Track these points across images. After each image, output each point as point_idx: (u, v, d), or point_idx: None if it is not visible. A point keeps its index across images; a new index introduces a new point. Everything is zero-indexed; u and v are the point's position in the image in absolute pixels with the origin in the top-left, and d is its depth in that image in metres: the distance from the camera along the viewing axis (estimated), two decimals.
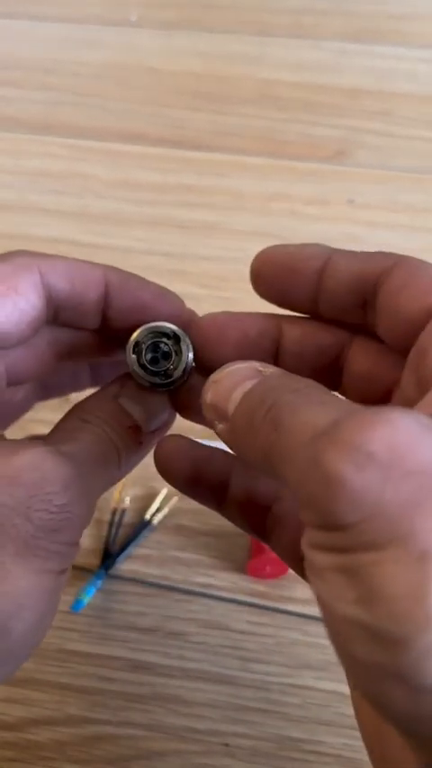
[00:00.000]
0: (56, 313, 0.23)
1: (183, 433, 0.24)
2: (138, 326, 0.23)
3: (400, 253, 0.22)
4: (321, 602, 0.15)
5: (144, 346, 0.23)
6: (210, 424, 0.20)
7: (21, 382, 0.24)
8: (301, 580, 0.40)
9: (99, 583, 0.38)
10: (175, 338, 0.23)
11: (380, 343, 0.22)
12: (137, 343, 0.23)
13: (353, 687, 0.18)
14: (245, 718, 0.35)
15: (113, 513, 0.40)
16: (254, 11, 0.75)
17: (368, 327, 0.22)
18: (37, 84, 0.68)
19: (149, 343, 0.23)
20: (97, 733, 0.35)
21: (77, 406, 0.23)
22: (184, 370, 0.23)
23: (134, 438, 0.23)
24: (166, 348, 0.23)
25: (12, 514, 0.19)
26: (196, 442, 0.24)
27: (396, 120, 0.64)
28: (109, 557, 0.39)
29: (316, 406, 0.16)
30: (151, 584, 0.39)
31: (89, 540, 0.40)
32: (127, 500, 0.41)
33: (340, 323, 0.22)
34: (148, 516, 0.40)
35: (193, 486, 0.24)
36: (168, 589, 0.38)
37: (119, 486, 0.41)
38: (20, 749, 0.34)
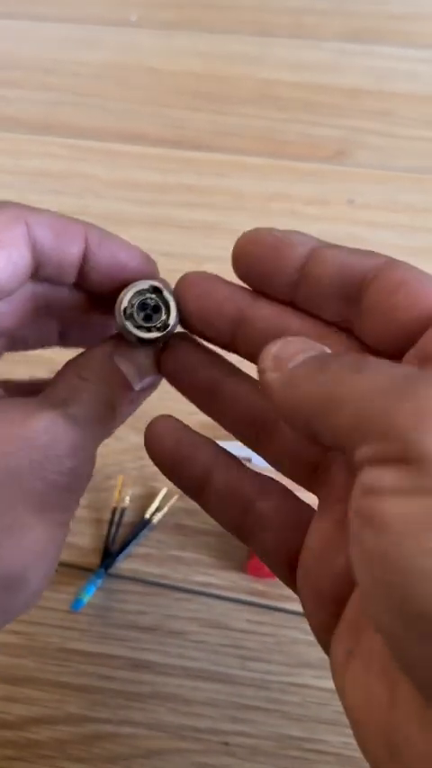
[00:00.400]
0: (38, 266, 0.23)
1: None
2: (116, 287, 0.24)
3: (402, 252, 0.22)
4: (383, 557, 0.14)
5: (134, 309, 0.23)
6: (259, 372, 0.20)
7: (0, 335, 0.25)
8: None
9: (99, 582, 0.38)
10: (157, 292, 0.23)
11: (359, 342, 0.22)
12: (125, 309, 0.23)
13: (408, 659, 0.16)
14: (245, 716, 0.35)
15: (113, 512, 0.41)
16: (254, 11, 0.75)
17: (345, 324, 0.22)
18: (37, 84, 0.68)
19: (138, 302, 0.23)
20: (97, 731, 0.35)
21: (74, 363, 0.24)
22: (176, 318, 0.23)
23: (126, 396, 0.24)
24: (153, 302, 0.23)
25: (29, 476, 0.20)
26: (186, 426, 0.24)
27: (396, 120, 0.64)
28: (109, 556, 0.39)
29: (400, 366, 0.17)
30: (151, 583, 0.39)
31: (89, 538, 0.40)
32: (127, 499, 0.41)
33: (316, 317, 0.22)
34: (147, 515, 0.40)
35: (175, 469, 0.24)
36: (168, 588, 0.39)
37: (118, 484, 0.41)
38: (20, 748, 0.34)
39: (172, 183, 0.59)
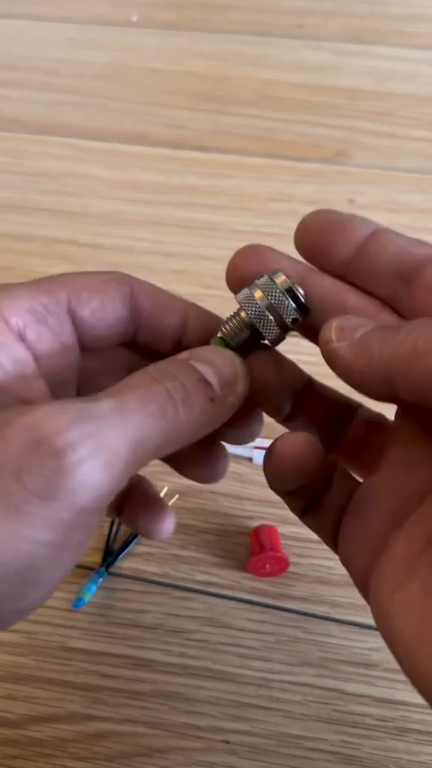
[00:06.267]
0: (136, 330, 0.24)
1: None
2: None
3: None
4: None
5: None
6: (323, 343, 0.21)
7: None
8: (301, 578, 0.40)
9: (100, 580, 0.38)
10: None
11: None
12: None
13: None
14: (246, 715, 0.35)
15: None
16: (254, 11, 0.75)
17: (392, 302, 0.23)
18: (38, 84, 0.68)
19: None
20: (98, 730, 0.35)
21: (145, 367, 0.21)
22: (285, 326, 0.23)
23: (204, 391, 0.21)
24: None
25: (2, 474, 0.17)
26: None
27: (396, 120, 0.64)
28: (110, 554, 0.39)
29: None
30: (152, 582, 0.39)
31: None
32: None
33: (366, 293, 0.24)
34: None
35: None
36: (169, 587, 0.39)
37: None
38: (21, 746, 0.34)
39: (173, 183, 0.59)
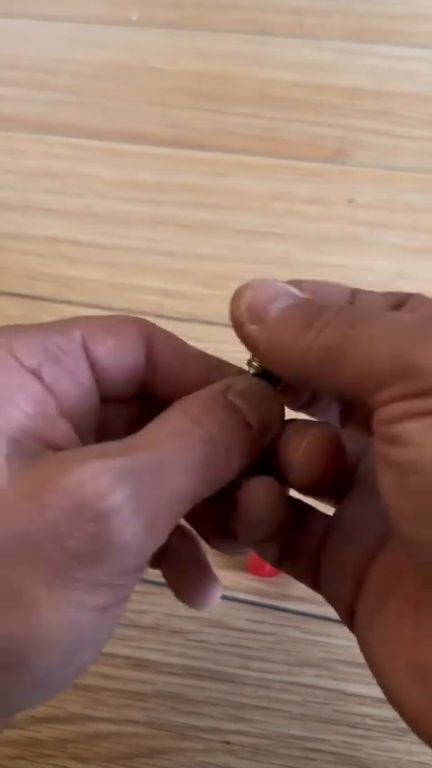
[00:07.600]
0: (154, 382, 0.22)
1: None
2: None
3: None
4: (410, 466, 0.15)
5: None
6: (234, 322, 0.19)
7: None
8: None
9: None
10: None
11: None
12: None
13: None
14: (246, 715, 0.35)
15: None
16: (254, 11, 0.75)
17: None
18: (38, 83, 0.68)
19: None
20: (99, 731, 0.35)
21: (180, 401, 0.20)
22: None
23: (246, 436, 0.20)
24: None
25: (43, 539, 0.16)
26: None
27: (396, 119, 0.64)
28: None
29: (394, 315, 0.18)
30: (152, 583, 0.39)
31: None
32: None
33: None
34: None
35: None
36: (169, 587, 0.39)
37: None
38: (22, 747, 0.34)
39: (173, 183, 0.59)
